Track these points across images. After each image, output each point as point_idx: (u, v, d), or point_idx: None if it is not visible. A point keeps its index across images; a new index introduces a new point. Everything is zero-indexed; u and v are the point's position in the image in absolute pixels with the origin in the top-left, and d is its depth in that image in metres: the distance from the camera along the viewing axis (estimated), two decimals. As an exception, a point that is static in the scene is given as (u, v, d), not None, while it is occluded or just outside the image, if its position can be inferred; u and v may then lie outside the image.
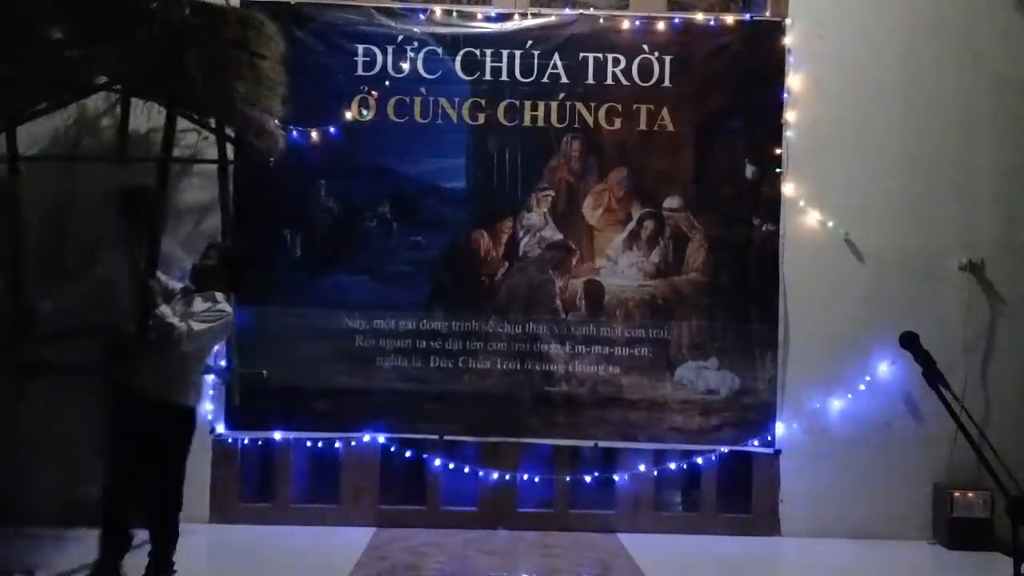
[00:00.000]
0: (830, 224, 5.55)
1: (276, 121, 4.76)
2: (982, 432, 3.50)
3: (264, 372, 5.25)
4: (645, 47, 5.54)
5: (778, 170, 5.54)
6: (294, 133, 5.22)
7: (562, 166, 5.54)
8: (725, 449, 5.49)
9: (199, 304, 4.13)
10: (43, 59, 3.98)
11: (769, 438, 5.48)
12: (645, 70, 5.53)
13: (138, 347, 4.01)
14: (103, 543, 4.12)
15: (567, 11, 5.61)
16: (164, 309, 3.98)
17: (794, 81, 5.55)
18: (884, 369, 5.46)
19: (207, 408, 5.32)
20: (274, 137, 4.74)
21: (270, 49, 4.43)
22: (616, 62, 5.53)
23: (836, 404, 5.51)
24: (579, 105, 5.52)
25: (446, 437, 5.43)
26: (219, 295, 4.20)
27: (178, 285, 4.31)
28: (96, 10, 3.83)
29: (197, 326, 4.01)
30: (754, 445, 5.49)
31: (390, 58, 5.46)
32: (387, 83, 5.42)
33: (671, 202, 5.55)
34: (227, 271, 4.28)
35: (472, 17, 5.53)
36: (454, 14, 5.52)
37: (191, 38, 3.92)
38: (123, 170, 4.66)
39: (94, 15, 3.83)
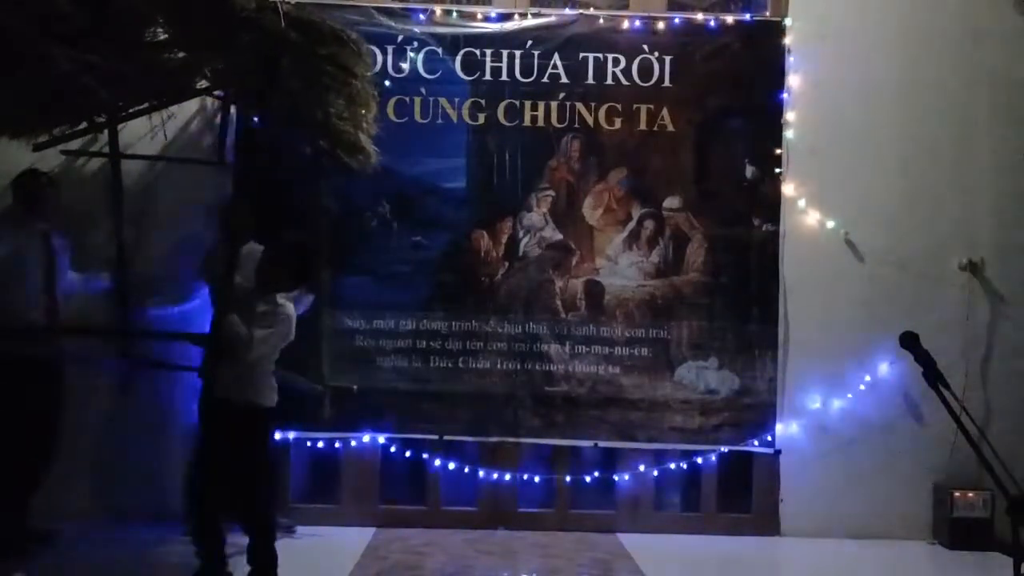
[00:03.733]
0: (830, 224, 5.55)
1: (367, 137, 4.77)
2: (982, 432, 3.51)
3: (355, 387, 5.34)
4: (645, 47, 5.54)
5: (778, 170, 5.54)
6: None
7: (562, 166, 5.54)
8: (725, 449, 5.49)
9: (261, 306, 4.14)
10: (148, 60, 4.04)
11: (769, 438, 5.48)
12: (645, 70, 5.53)
13: (215, 350, 4.10)
14: (203, 545, 4.16)
15: (567, 11, 5.62)
16: (233, 317, 4.03)
17: (794, 81, 5.55)
18: (884, 369, 5.46)
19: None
20: (366, 153, 4.70)
21: (362, 68, 4.51)
22: (616, 62, 5.53)
23: (836, 404, 5.51)
24: (579, 105, 5.52)
25: (446, 437, 5.43)
26: (280, 297, 4.21)
27: (250, 285, 4.29)
28: (200, 15, 3.86)
29: (259, 332, 4.06)
30: (754, 445, 5.49)
31: (390, 58, 5.46)
32: (387, 83, 5.41)
33: (671, 202, 5.55)
34: (289, 269, 4.24)
35: (472, 17, 5.53)
36: (454, 14, 5.52)
37: (288, 49, 3.99)
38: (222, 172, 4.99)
39: (198, 20, 3.87)
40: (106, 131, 4.82)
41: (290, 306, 4.23)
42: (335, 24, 4.42)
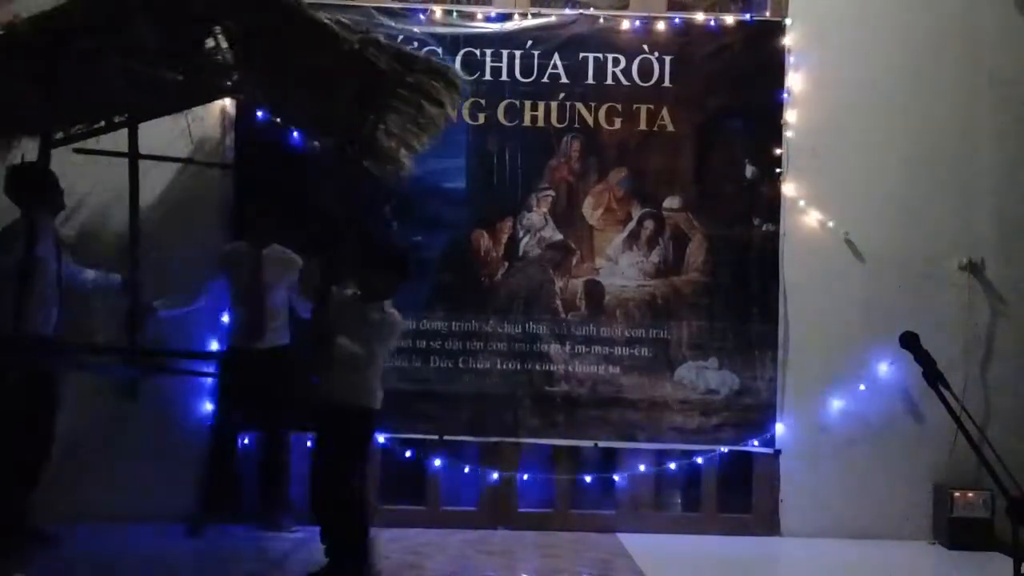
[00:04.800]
0: (830, 224, 5.54)
1: (407, 152, 4.76)
2: (982, 432, 3.51)
3: None
4: (645, 47, 5.54)
5: (778, 170, 5.54)
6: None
7: (562, 166, 5.53)
8: (725, 449, 5.49)
9: (371, 315, 4.16)
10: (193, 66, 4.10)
11: (769, 438, 5.48)
12: (645, 70, 5.53)
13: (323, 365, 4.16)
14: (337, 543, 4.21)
15: (567, 11, 5.61)
16: (344, 340, 4.06)
17: (794, 81, 5.55)
18: (884, 369, 5.46)
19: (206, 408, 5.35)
20: (399, 165, 4.63)
21: (447, 98, 4.52)
22: (616, 62, 5.53)
23: (836, 404, 5.51)
24: (579, 105, 5.52)
25: (446, 437, 5.43)
26: (387, 303, 4.23)
27: (348, 292, 4.29)
28: (309, 49, 3.92)
29: (376, 347, 4.14)
30: (754, 445, 5.49)
31: (390, 58, 5.45)
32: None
33: (671, 202, 5.55)
34: (395, 274, 4.27)
35: (472, 17, 5.53)
36: (454, 14, 5.52)
37: (388, 83, 4.09)
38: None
39: (303, 51, 3.94)
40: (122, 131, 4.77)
41: (396, 312, 4.27)
42: (433, 58, 4.51)
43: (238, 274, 5.09)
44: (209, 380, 5.21)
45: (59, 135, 4.52)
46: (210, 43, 4.02)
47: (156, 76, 3.94)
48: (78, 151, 4.66)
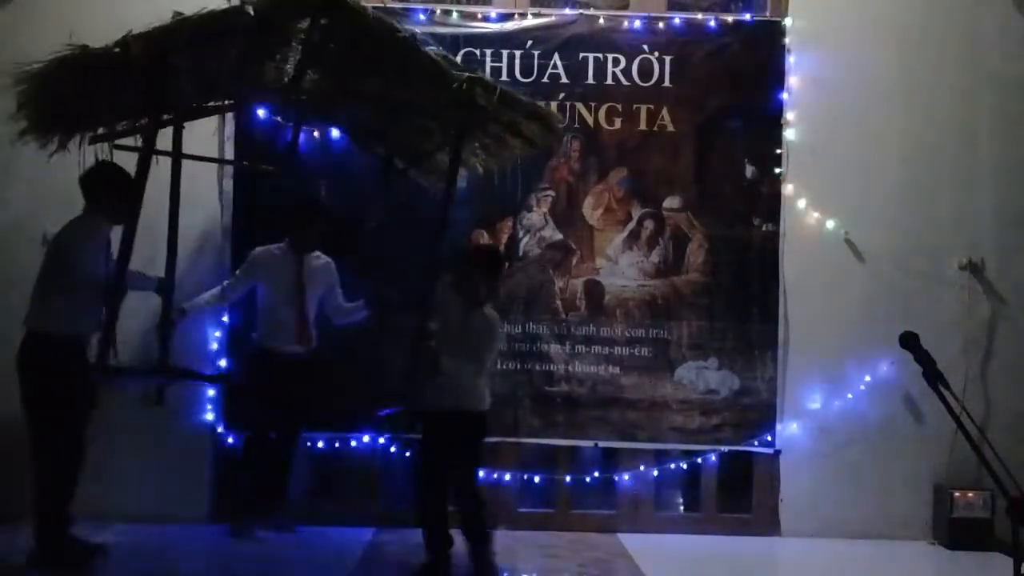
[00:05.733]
0: (830, 224, 5.54)
1: (463, 170, 4.88)
2: (982, 432, 3.51)
3: None
4: (645, 47, 5.54)
5: (778, 170, 5.54)
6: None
7: (562, 166, 5.53)
8: (725, 449, 5.49)
9: (479, 321, 4.20)
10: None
11: (769, 438, 5.48)
12: (645, 70, 5.53)
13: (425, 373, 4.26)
14: (436, 546, 4.27)
15: (567, 11, 5.62)
16: (448, 362, 4.15)
17: (794, 81, 5.55)
18: (884, 369, 5.46)
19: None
20: (449, 180, 4.70)
21: (540, 140, 4.72)
22: (616, 62, 5.53)
23: (836, 404, 5.51)
24: (579, 105, 5.52)
25: (446, 437, 5.42)
26: (487, 308, 4.25)
27: (452, 305, 4.32)
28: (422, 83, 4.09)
29: (484, 356, 4.21)
30: (754, 445, 5.49)
31: (390, 58, 5.45)
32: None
33: (671, 202, 5.55)
34: (496, 278, 4.35)
35: (472, 17, 5.53)
36: (454, 14, 5.52)
37: (490, 124, 4.37)
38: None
39: (419, 86, 4.12)
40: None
41: (495, 313, 4.31)
42: (539, 105, 4.70)
43: (273, 277, 5.05)
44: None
45: (100, 130, 4.50)
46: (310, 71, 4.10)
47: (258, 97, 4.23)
48: (118, 147, 4.52)
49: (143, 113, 4.29)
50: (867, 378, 5.49)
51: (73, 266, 4.31)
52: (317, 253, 5.15)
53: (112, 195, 4.36)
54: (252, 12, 3.71)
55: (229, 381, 5.25)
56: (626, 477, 5.50)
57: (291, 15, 3.79)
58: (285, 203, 5.06)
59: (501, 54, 5.50)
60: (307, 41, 3.86)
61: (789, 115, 5.54)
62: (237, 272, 5.12)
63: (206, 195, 5.40)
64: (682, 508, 5.84)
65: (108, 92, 4.21)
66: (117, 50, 3.86)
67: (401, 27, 3.99)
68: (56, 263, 4.37)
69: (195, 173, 5.28)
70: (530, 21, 5.54)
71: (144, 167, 4.12)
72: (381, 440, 5.39)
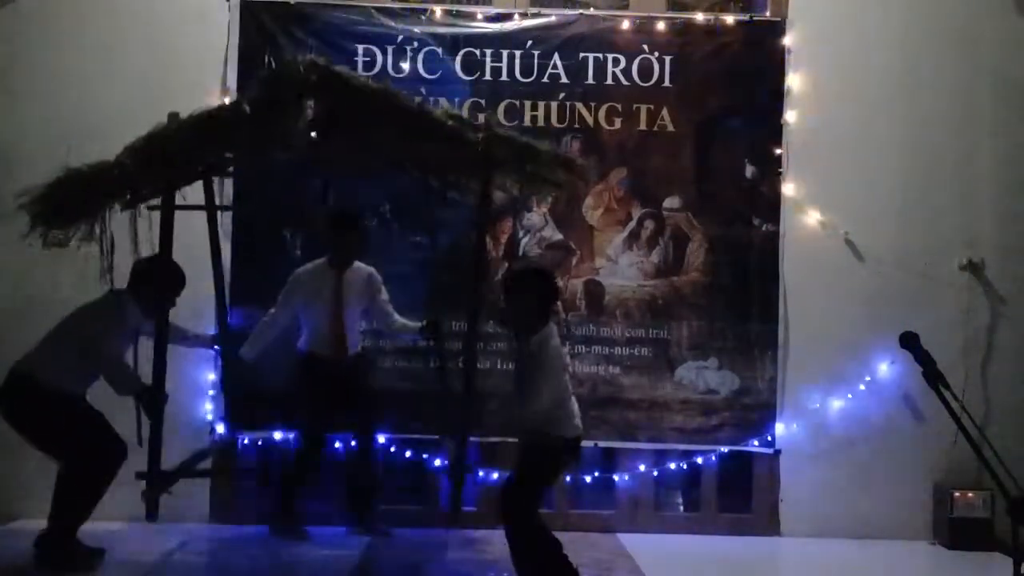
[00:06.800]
0: (830, 224, 5.55)
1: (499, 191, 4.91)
2: (982, 432, 3.49)
3: None
4: (645, 47, 5.54)
5: (778, 170, 5.54)
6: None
7: (562, 166, 5.53)
8: (725, 449, 5.49)
9: (536, 349, 3.87)
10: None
11: (769, 438, 5.48)
12: (645, 70, 5.54)
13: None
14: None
15: (567, 11, 5.62)
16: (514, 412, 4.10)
17: (794, 81, 5.55)
18: (884, 369, 5.46)
19: (207, 408, 5.34)
20: (484, 200, 4.67)
21: (567, 183, 4.78)
22: (616, 62, 5.53)
23: (836, 404, 5.51)
24: (579, 105, 5.52)
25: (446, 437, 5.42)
26: (544, 331, 3.88)
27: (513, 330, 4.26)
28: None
29: (539, 379, 3.86)
30: (754, 445, 5.49)
31: (390, 58, 5.46)
32: (387, 83, 5.40)
33: (671, 202, 5.56)
34: (545, 301, 3.97)
35: (472, 17, 5.53)
36: (454, 14, 5.52)
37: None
38: None
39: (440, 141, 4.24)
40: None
41: (543, 335, 3.91)
42: (559, 152, 4.85)
43: (312, 293, 5.08)
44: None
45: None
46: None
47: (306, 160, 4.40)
48: (151, 208, 4.47)
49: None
50: (867, 378, 5.49)
51: (95, 340, 4.37)
52: (357, 265, 5.15)
53: (160, 291, 4.41)
54: (248, 109, 3.81)
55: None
56: (626, 477, 5.51)
57: (288, 100, 3.84)
58: (323, 217, 5.13)
59: (501, 54, 5.50)
60: (313, 120, 3.92)
61: (789, 115, 5.55)
62: (279, 297, 5.12)
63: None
64: (682, 508, 5.85)
65: (113, 198, 4.34)
66: (116, 171, 4.08)
67: (405, 95, 4.19)
68: (80, 336, 4.40)
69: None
70: (530, 21, 5.54)
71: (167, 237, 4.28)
72: (381, 440, 5.37)
